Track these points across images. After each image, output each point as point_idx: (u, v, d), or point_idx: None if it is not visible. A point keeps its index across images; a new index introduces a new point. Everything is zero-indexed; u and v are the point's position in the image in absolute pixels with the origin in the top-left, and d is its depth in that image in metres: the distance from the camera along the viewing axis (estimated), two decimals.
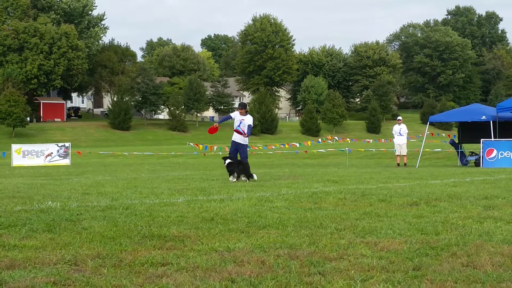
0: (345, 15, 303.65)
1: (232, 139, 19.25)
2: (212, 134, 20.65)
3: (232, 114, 19.56)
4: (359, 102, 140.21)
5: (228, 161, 18.25)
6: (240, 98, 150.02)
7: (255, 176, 17.96)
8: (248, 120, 19.21)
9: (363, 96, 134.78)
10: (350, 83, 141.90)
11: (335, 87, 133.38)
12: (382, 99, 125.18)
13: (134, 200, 12.41)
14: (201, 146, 44.38)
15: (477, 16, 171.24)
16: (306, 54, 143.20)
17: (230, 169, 18.10)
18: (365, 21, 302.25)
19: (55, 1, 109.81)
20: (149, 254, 6.99)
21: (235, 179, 17.87)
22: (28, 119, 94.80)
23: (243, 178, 17.84)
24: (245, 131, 18.95)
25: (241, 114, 19.33)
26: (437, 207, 10.92)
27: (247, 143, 19.44)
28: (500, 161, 26.84)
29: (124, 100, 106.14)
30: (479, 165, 27.86)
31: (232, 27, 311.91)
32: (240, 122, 19.11)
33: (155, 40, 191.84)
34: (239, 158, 18.91)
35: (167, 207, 11.12)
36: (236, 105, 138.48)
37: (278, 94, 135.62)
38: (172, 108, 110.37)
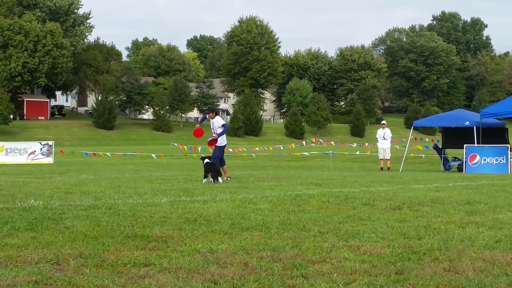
0: (331, 18, 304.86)
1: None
2: (200, 137, 20.54)
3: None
4: (343, 106, 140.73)
5: (206, 160, 18.35)
6: (225, 99, 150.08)
7: (220, 180, 17.86)
8: (217, 121, 19.33)
9: (348, 99, 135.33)
10: (335, 87, 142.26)
11: (320, 90, 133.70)
12: (367, 103, 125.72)
13: (117, 200, 12.37)
14: (185, 147, 44.34)
15: (462, 22, 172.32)
16: (291, 56, 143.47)
17: (206, 169, 18.20)
18: (351, 24, 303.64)
19: None
20: (132, 254, 6.97)
21: (207, 180, 17.94)
22: (12, 116, 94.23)
23: (220, 180, 17.79)
24: (217, 133, 19.06)
25: (210, 117, 19.53)
26: (419, 212, 10.95)
27: (222, 144, 19.38)
28: (483, 166, 26.96)
29: (109, 99, 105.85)
30: (462, 171, 27.98)
31: (218, 28, 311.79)
32: (212, 127, 19.28)
33: (140, 39, 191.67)
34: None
35: (150, 208, 11.09)
36: (221, 106, 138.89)
37: (263, 96, 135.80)
38: (156, 108, 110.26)
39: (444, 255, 7.09)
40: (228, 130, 19.58)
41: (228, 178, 19.16)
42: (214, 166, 18.08)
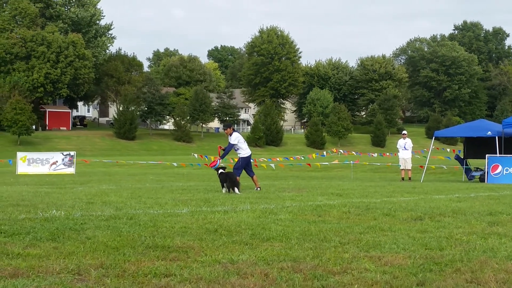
0: (352, 28, 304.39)
1: None
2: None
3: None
4: (364, 116, 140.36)
5: (220, 171, 18.36)
6: (245, 109, 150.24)
7: (236, 190, 17.73)
8: (229, 139, 19.39)
9: (369, 109, 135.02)
10: (356, 97, 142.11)
11: (341, 100, 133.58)
12: (388, 113, 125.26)
13: (138, 210, 12.41)
14: (205, 158, 44.39)
15: (484, 31, 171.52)
16: (312, 66, 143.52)
17: (221, 179, 18.26)
18: (372, 34, 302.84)
19: (63, 10, 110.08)
20: (153, 264, 6.99)
21: (225, 190, 17.94)
22: (34, 127, 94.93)
23: (237, 191, 17.68)
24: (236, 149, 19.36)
25: (228, 133, 19.60)
26: (441, 222, 10.88)
27: (245, 156, 19.43)
28: (505, 177, 26.75)
29: (130, 109, 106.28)
30: (484, 181, 27.78)
31: (239, 38, 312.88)
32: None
33: (162, 50, 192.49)
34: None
35: (171, 218, 11.12)
36: (242, 117, 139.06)
37: (284, 106, 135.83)
38: (177, 119, 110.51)
39: (466, 266, 7.04)
40: (230, 150, 19.51)
41: (258, 189, 19.13)
42: (229, 176, 18.05)
